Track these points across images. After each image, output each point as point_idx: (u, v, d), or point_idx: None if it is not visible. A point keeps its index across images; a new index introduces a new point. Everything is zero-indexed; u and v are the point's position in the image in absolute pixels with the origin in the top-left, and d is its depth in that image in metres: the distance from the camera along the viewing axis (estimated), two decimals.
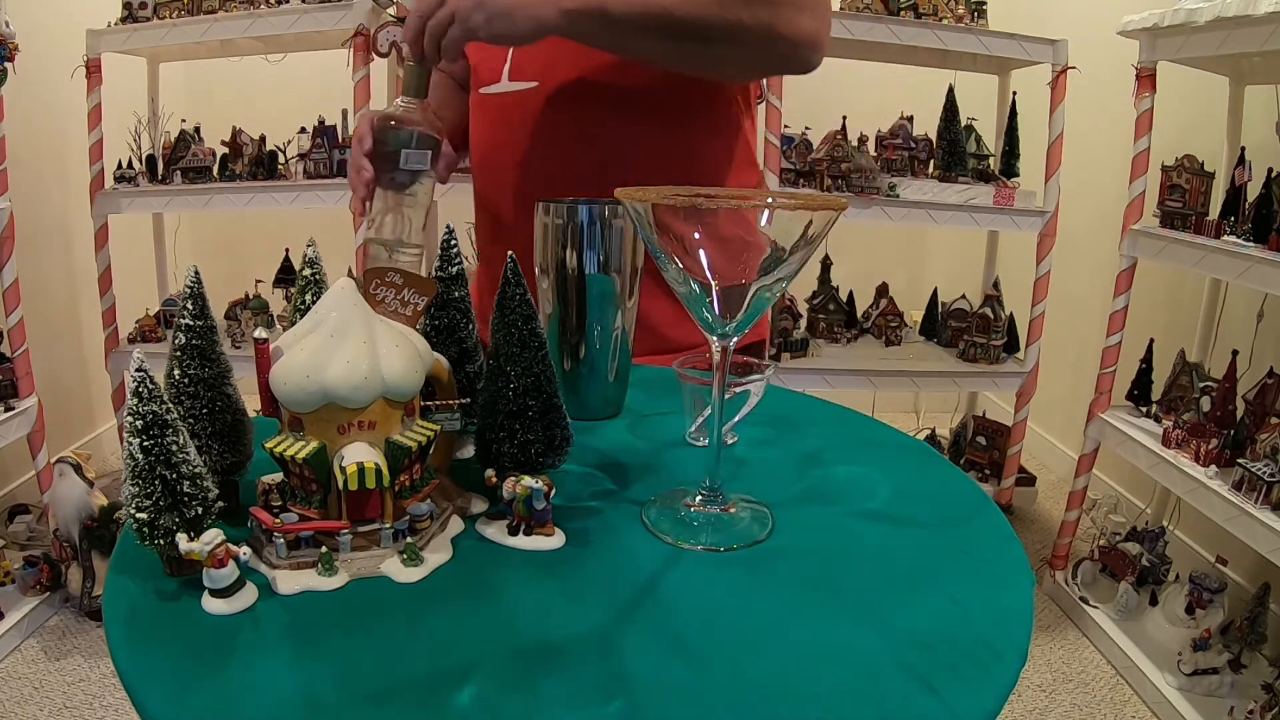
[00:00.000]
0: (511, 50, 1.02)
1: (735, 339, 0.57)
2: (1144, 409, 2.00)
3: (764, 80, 1.99)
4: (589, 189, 0.84)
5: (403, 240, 0.85)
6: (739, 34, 0.88)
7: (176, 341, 0.57)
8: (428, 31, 0.85)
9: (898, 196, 2.17)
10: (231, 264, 2.60)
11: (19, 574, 1.91)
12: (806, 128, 2.25)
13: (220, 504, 0.52)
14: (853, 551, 0.58)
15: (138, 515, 0.49)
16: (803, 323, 2.36)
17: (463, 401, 0.62)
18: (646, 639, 0.47)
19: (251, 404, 0.56)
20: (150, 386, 0.48)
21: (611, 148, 1.01)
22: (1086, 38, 2.20)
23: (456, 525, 0.58)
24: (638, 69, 0.96)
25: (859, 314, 2.61)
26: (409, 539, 0.54)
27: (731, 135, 1.07)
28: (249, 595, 0.49)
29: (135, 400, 0.48)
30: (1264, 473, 1.50)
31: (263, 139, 2.23)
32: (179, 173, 2.20)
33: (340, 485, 0.51)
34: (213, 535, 0.48)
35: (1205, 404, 1.77)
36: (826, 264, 2.52)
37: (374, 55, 2.00)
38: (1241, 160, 1.70)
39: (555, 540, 0.57)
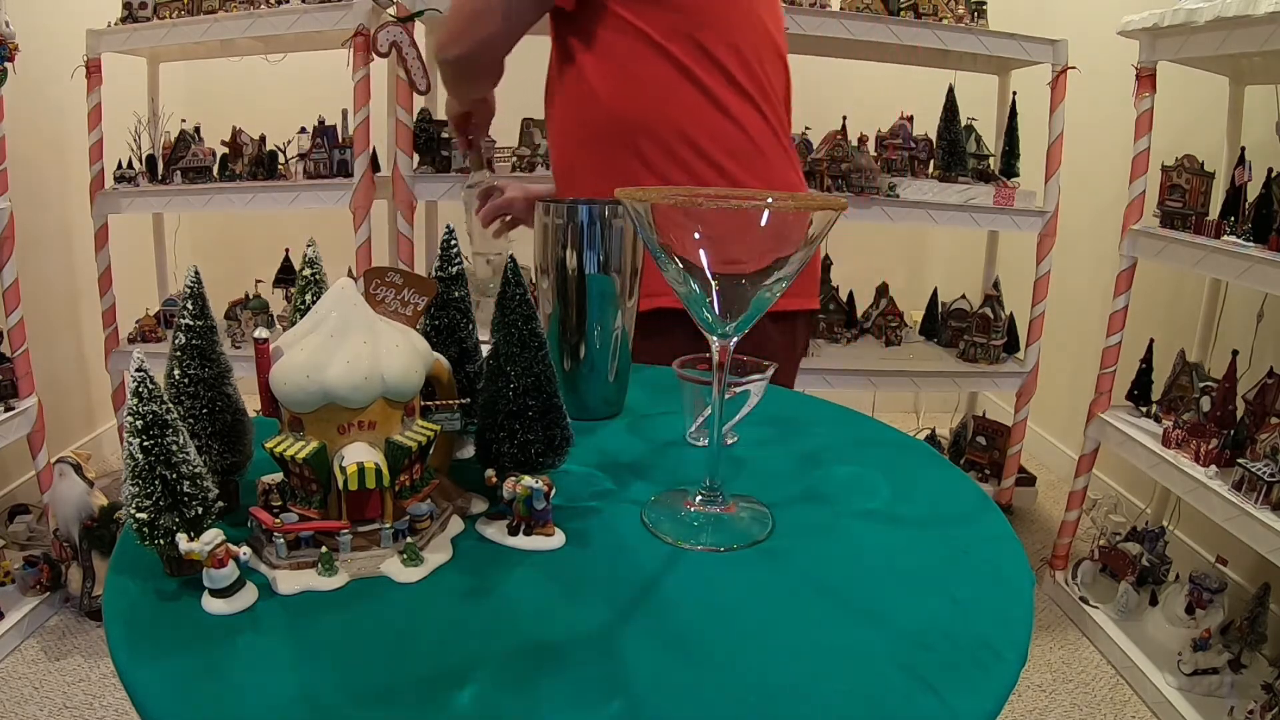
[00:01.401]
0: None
1: (735, 339, 0.57)
2: (1144, 409, 2.00)
3: None
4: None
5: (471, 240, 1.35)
6: (439, 63, 1.21)
7: (176, 341, 0.57)
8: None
9: (898, 196, 2.17)
10: (231, 264, 2.60)
11: (19, 574, 1.91)
12: (806, 128, 2.25)
13: (220, 504, 0.52)
14: (853, 551, 0.58)
15: (138, 515, 0.49)
16: None
17: (463, 401, 0.62)
18: (646, 639, 0.47)
19: (251, 404, 0.56)
20: (150, 386, 0.48)
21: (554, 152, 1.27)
22: (1086, 38, 2.20)
23: (456, 525, 0.58)
24: (553, 80, 1.22)
25: (859, 314, 2.61)
26: (409, 539, 0.54)
27: (576, 105, 1.18)
28: (249, 595, 0.49)
29: (135, 400, 0.48)
30: (1264, 473, 1.50)
31: (263, 139, 2.23)
32: (179, 173, 2.20)
33: (340, 485, 0.51)
34: (213, 535, 0.48)
35: (1205, 404, 1.77)
36: (826, 264, 2.52)
37: (374, 55, 2.00)
38: (1241, 160, 1.69)
39: (555, 540, 0.57)
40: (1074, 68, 2.16)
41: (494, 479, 0.58)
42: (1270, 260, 1.51)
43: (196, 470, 0.50)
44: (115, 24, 2.19)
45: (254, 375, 0.52)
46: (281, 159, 2.21)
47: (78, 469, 1.86)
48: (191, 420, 0.56)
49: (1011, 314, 2.44)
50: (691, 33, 1.09)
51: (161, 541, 0.49)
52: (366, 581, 0.52)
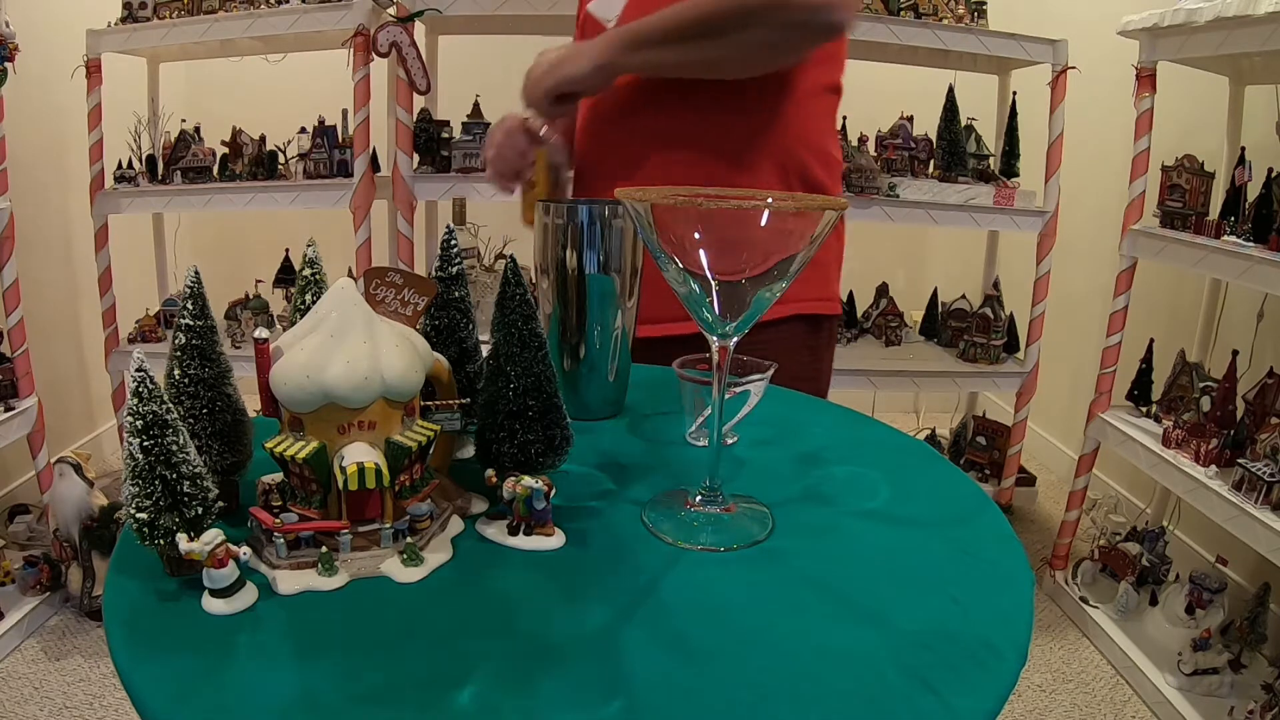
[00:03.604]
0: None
1: (735, 339, 0.57)
2: (1144, 409, 2.00)
3: None
4: (631, 175, 1.02)
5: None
6: (748, 14, 0.88)
7: (176, 341, 0.57)
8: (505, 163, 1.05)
9: (898, 196, 2.17)
10: (231, 264, 2.61)
11: (19, 574, 1.91)
12: None
13: (220, 504, 0.52)
14: (853, 551, 0.58)
15: (138, 515, 0.49)
16: None
17: (463, 401, 0.62)
18: (646, 639, 0.47)
19: (251, 404, 0.56)
20: (150, 386, 0.48)
21: (649, 134, 1.06)
22: (1086, 38, 2.20)
23: (456, 525, 0.58)
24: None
25: (859, 314, 2.61)
26: (409, 539, 0.54)
27: (761, 118, 1.05)
28: (249, 595, 0.49)
29: (135, 400, 0.48)
30: (1264, 473, 1.50)
31: (263, 139, 2.23)
32: (179, 173, 2.20)
33: (340, 485, 0.51)
34: (213, 535, 0.48)
35: (1205, 404, 1.77)
36: None
37: (374, 55, 2.00)
38: (1241, 160, 1.69)
39: (555, 540, 0.57)
40: (1074, 68, 2.16)
41: (494, 479, 0.58)
42: (1270, 260, 1.51)
43: (196, 470, 0.50)
44: (115, 24, 2.19)
45: (254, 375, 0.52)
46: (281, 159, 2.21)
47: (78, 469, 1.86)
48: (191, 420, 0.56)
49: (1011, 314, 2.44)
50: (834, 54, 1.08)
51: (161, 541, 0.49)
52: (366, 581, 0.52)
